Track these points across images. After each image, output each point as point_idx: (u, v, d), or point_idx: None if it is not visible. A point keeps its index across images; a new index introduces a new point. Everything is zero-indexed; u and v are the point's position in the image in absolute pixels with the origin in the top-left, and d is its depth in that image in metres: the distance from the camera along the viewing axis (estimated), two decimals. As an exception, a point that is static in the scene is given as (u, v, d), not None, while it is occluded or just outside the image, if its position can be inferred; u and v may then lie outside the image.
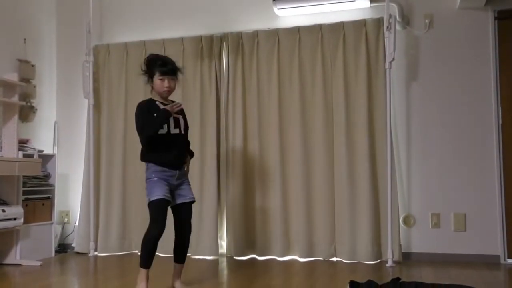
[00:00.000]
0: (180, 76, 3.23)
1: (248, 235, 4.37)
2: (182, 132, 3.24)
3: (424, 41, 4.28)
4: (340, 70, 4.26)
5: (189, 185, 3.25)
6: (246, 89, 4.49)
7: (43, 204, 4.47)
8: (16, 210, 4.06)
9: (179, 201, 3.18)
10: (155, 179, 3.09)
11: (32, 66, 4.71)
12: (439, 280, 3.31)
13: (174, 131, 3.16)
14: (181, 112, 3.23)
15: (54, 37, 5.13)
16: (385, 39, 4.11)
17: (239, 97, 4.47)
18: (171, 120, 3.13)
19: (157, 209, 3.04)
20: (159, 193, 3.05)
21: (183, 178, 3.22)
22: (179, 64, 3.27)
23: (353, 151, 4.19)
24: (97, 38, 4.93)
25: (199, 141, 4.46)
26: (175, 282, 3.19)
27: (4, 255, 4.16)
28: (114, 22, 4.99)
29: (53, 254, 4.53)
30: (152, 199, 3.06)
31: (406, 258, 4.13)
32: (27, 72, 4.63)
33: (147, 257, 3.02)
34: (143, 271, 3.02)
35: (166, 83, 3.10)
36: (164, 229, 3.03)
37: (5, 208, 3.97)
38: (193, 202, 3.24)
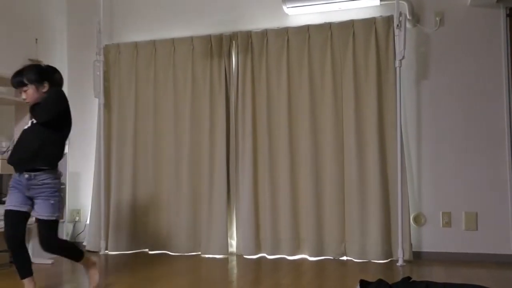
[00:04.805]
0: (48, 79, 3.05)
1: (257, 234, 4.37)
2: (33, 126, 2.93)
3: (435, 39, 4.25)
4: (350, 69, 4.24)
5: (45, 199, 2.84)
6: (256, 88, 4.48)
7: (54, 202, 4.50)
8: (28, 209, 4.08)
9: (34, 214, 2.92)
10: (10, 187, 2.92)
11: (44, 66, 4.75)
12: (450, 280, 3.29)
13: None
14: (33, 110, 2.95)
15: (65, 37, 5.16)
16: (395, 37, 4.08)
17: (248, 96, 4.47)
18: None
19: (5, 219, 2.89)
20: (7, 203, 2.89)
21: (36, 189, 2.84)
22: (30, 70, 3.07)
23: (363, 150, 4.17)
24: (108, 37, 4.96)
25: (208, 139, 4.47)
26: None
27: (16, 253, 4.20)
28: (125, 21, 5.01)
29: (64, 252, 4.57)
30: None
31: (417, 257, 4.11)
32: (38, 71, 4.66)
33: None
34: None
35: (22, 96, 2.98)
36: (15, 237, 2.85)
37: (17, 206, 4.00)
38: (45, 220, 2.84)
